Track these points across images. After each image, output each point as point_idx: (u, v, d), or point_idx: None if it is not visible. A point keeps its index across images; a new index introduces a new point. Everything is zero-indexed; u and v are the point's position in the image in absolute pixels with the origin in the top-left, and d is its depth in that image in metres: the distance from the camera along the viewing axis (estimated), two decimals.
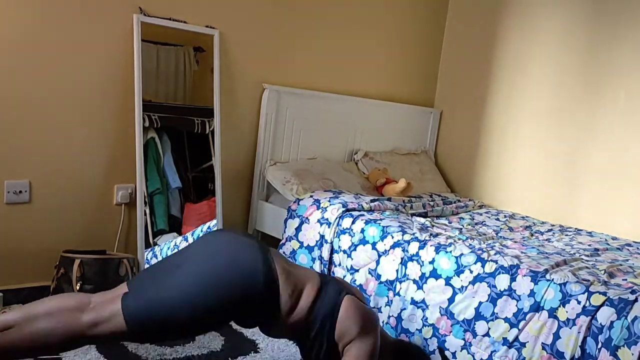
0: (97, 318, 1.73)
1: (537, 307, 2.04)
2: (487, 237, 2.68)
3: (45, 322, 1.72)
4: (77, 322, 1.72)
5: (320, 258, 2.68)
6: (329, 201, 2.77)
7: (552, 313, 2.00)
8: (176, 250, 2.60)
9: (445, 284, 2.28)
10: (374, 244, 2.53)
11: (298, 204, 2.84)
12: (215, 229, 2.90)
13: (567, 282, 2.03)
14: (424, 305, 2.32)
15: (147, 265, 2.71)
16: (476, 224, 3.01)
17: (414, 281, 2.37)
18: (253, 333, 2.45)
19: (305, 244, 2.74)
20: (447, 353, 2.23)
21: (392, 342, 2.09)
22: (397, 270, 2.43)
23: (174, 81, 2.88)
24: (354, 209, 2.73)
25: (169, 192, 2.83)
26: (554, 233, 2.97)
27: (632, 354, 1.79)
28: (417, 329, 2.32)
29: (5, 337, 1.68)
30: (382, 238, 2.51)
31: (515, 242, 2.63)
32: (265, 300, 1.82)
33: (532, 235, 2.89)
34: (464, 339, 2.19)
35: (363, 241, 2.56)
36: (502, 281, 2.15)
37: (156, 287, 1.80)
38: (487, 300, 2.16)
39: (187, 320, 1.76)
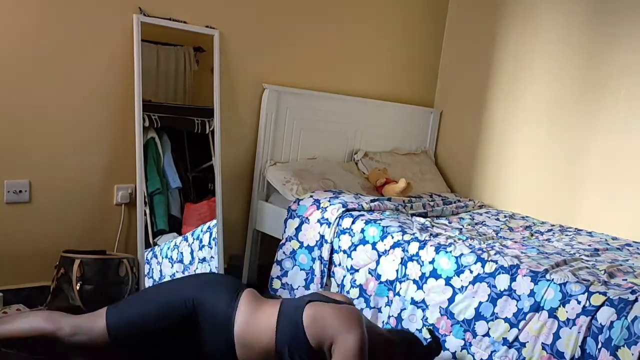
0: (78, 328, 1.86)
1: (537, 307, 2.04)
2: (487, 237, 2.68)
3: (29, 318, 1.90)
4: (57, 330, 1.85)
5: (320, 258, 2.68)
6: (329, 201, 2.77)
7: (552, 313, 2.00)
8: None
9: (445, 284, 2.28)
10: (374, 244, 2.53)
11: (298, 204, 2.84)
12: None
13: (567, 282, 2.03)
14: (424, 305, 2.32)
15: (147, 265, 2.72)
16: (476, 224, 3.01)
17: (414, 281, 2.37)
18: None
19: (305, 244, 2.74)
20: (447, 353, 2.23)
21: (385, 332, 2.06)
22: (397, 270, 2.43)
23: (174, 81, 2.88)
24: (354, 209, 2.73)
25: (169, 192, 2.83)
26: (554, 233, 2.97)
27: (632, 354, 1.79)
28: (417, 329, 2.32)
29: None
30: (382, 238, 2.51)
31: (515, 242, 2.63)
32: (219, 327, 1.89)
33: (532, 235, 2.89)
34: (464, 339, 2.19)
35: (363, 241, 2.56)
36: (502, 281, 2.15)
37: (139, 300, 1.99)
38: (487, 300, 2.16)
39: (156, 327, 1.87)
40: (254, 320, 1.88)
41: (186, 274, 2.80)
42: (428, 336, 2.21)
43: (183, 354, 1.93)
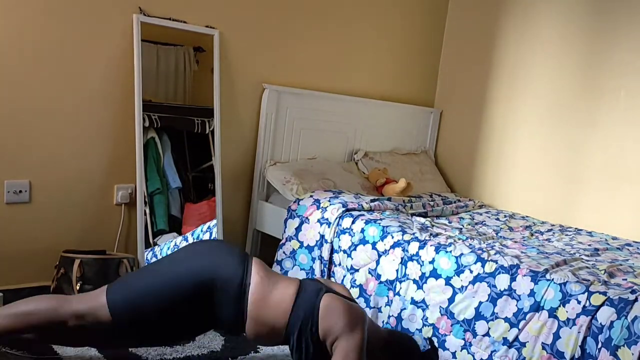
0: (81, 309, 1.82)
1: (537, 307, 2.04)
2: (487, 237, 2.68)
3: (26, 305, 1.84)
4: (61, 310, 1.81)
5: (320, 258, 2.68)
6: (329, 201, 2.77)
7: (552, 313, 2.00)
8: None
9: (445, 284, 2.28)
10: (374, 244, 2.53)
11: (298, 204, 2.84)
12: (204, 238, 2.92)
13: (567, 282, 2.03)
14: (424, 305, 2.32)
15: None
16: (476, 223, 3.01)
17: (414, 281, 2.37)
18: None
19: (305, 244, 2.74)
20: (447, 353, 2.23)
21: (385, 334, 2.08)
22: (397, 270, 2.43)
23: (174, 81, 2.88)
24: (354, 209, 2.73)
25: (169, 192, 2.83)
26: (554, 233, 2.97)
27: (632, 354, 1.79)
28: (417, 329, 2.32)
29: None
30: (382, 238, 2.51)
31: (515, 242, 2.63)
32: (234, 297, 1.86)
33: (532, 235, 2.89)
34: (464, 339, 2.19)
35: (363, 241, 2.56)
36: (502, 281, 2.15)
37: (140, 280, 1.92)
38: (487, 300, 2.16)
39: (163, 309, 1.83)
40: (269, 297, 1.88)
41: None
42: (428, 344, 2.22)
43: (187, 329, 1.95)
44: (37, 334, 1.83)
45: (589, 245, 2.73)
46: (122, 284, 1.92)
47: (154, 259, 2.74)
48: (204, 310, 1.88)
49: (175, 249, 2.10)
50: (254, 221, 3.20)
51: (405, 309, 2.37)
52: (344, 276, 2.60)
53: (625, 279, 2.14)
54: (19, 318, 1.81)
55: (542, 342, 2.00)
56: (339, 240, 2.64)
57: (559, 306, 1.99)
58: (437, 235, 2.53)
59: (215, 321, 1.93)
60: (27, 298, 1.91)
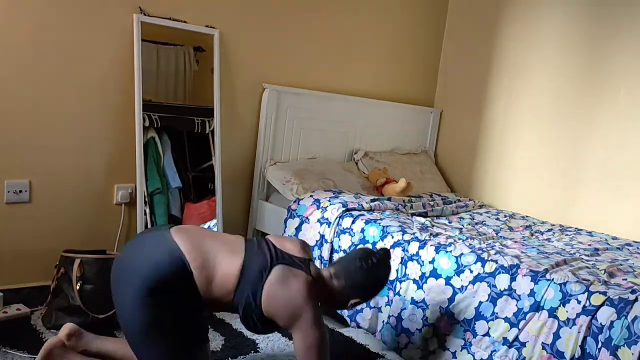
0: None
1: (537, 307, 2.04)
2: (487, 236, 2.68)
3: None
4: None
5: (321, 258, 2.68)
6: (329, 201, 2.77)
7: (552, 313, 2.00)
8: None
9: (446, 284, 2.28)
10: (374, 244, 2.53)
11: (298, 204, 2.84)
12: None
13: (567, 281, 2.03)
14: (424, 305, 2.32)
15: None
16: (476, 223, 3.01)
17: (414, 281, 2.37)
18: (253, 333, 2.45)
19: None
20: (447, 353, 2.23)
21: (335, 283, 1.99)
22: (397, 270, 2.43)
23: (174, 81, 2.88)
24: (354, 209, 2.73)
25: (169, 191, 2.83)
26: (554, 233, 2.97)
27: (632, 354, 1.79)
28: (417, 329, 2.32)
29: None
30: (382, 238, 2.51)
31: (515, 241, 2.63)
32: (180, 277, 1.78)
33: (532, 235, 2.89)
34: (464, 339, 2.19)
35: (363, 241, 2.56)
36: (502, 281, 2.15)
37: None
38: (487, 300, 2.16)
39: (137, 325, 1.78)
40: (214, 274, 1.81)
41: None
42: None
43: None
44: None
45: (589, 245, 2.73)
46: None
47: None
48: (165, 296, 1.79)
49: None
50: (254, 221, 3.20)
51: (405, 308, 2.37)
52: None
53: (625, 279, 2.14)
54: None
55: (542, 342, 2.00)
56: (339, 240, 2.64)
57: (559, 306, 1.99)
58: (437, 235, 2.53)
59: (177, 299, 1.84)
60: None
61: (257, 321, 1.85)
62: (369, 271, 1.99)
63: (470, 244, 2.41)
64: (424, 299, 2.33)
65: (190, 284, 1.79)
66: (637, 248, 2.76)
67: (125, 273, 1.81)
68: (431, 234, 2.52)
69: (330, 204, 2.74)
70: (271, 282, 1.82)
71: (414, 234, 2.49)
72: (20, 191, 2.52)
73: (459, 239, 2.51)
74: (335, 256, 2.65)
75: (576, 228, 3.14)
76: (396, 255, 2.44)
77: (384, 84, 3.76)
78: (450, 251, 2.32)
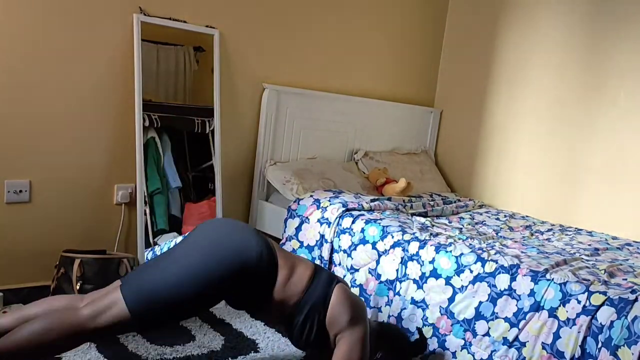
0: (97, 309, 1.74)
1: (537, 307, 2.04)
2: (487, 236, 2.68)
3: (39, 322, 1.72)
4: (76, 316, 1.73)
5: (321, 258, 2.68)
6: (329, 201, 2.77)
7: (552, 313, 2.00)
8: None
9: (446, 284, 2.28)
10: (374, 244, 2.53)
11: (298, 204, 2.84)
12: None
13: (567, 281, 2.03)
14: (424, 304, 2.32)
15: None
16: (476, 223, 3.01)
17: (414, 281, 2.37)
18: (253, 333, 2.46)
19: (305, 244, 2.74)
20: (447, 353, 2.23)
21: (375, 325, 2.17)
22: (397, 270, 2.43)
23: (174, 81, 2.88)
24: (354, 209, 2.73)
25: (169, 191, 2.83)
26: (554, 233, 2.97)
27: (632, 354, 1.79)
28: (417, 329, 2.32)
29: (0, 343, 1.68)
30: (382, 238, 2.51)
31: (515, 241, 2.63)
32: (264, 273, 1.90)
33: (532, 235, 2.89)
34: (464, 339, 2.19)
35: (363, 241, 2.56)
36: (502, 281, 2.15)
37: (155, 271, 1.85)
38: (487, 300, 2.16)
39: (189, 293, 1.80)
40: (290, 277, 1.94)
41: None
42: (418, 334, 2.28)
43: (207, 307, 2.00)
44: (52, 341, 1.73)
45: (589, 245, 2.73)
46: (136, 278, 1.84)
47: None
48: (230, 293, 1.92)
49: (185, 237, 2.03)
50: (254, 221, 3.20)
51: (405, 308, 2.37)
52: (344, 276, 2.60)
53: (625, 279, 2.14)
54: (31, 339, 1.69)
55: (542, 342, 2.00)
56: (339, 240, 2.64)
57: (559, 306, 1.99)
58: (437, 235, 2.53)
59: (240, 298, 1.97)
60: (38, 301, 1.86)
61: (314, 325, 1.92)
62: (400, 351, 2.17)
63: (470, 244, 2.41)
64: (424, 298, 2.33)
65: (267, 285, 1.92)
66: (637, 248, 2.76)
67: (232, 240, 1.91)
68: (431, 234, 2.52)
69: (330, 204, 2.74)
70: (343, 287, 1.99)
71: (414, 233, 2.49)
72: (20, 191, 2.52)
73: (459, 238, 2.51)
74: (335, 256, 2.65)
75: (576, 228, 3.14)
76: (396, 256, 2.45)
77: (384, 84, 3.76)
78: (450, 251, 2.32)
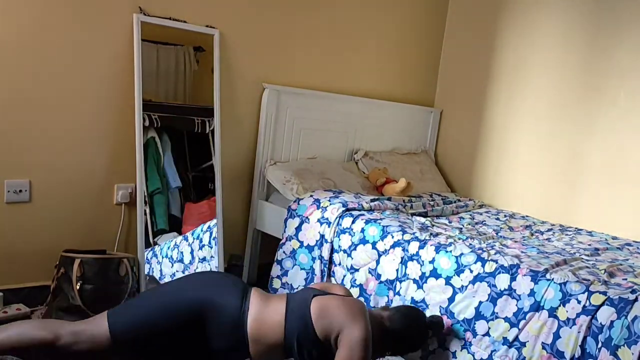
0: (78, 336, 1.80)
1: (537, 307, 2.04)
2: (487, 236, 2.68)
3: (20, 325, 1.83)
4: (56, 340, 1.78)
5: (320, 257, 2.68)
6: (329, 201, 2.77)
7: (552, 312, 2.00)
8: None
9: (446, 284, 2.28)
10: (374, 244, 2.53)
11: (298, 204, 2.84)
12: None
13: (567, 281, 2.03)
14: (424, 304, 2.32)
15: (147, 265, 2.72)
16: (476, 223, 3.01)
17: (414, 281, 2.37)
18: None
19: (305, 244, 2.74)
20: (447, 353, 2.23)
21: (385, 313, 2.12)
22: (397, 270, 2.43)
23: (174, 81, 2.88)
24: (354, 209, 2.73)
25: (169, 191, 2.83)
26: (554, 233, 2.97)
27: (632, 354, 1.79)
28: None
29: None
30: (382, 237, 2.51)
31: (515, 241, 2.63)
32: (233, 322, 1.88)
33: (532, 234, 2.90)
34: (464, 339, 2.19)
35: (363, 241, 2.56)
36: (502, 281, 2.15)
37: (140, 301, 1.96)
38: (487, 300, 2.16)
39: (162, 334, 1.84)
40: (263, 316, 1.90)
41: (186, 273, 2.80)
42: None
43: (188, 353, 1.93)
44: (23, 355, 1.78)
45: (589, 245, 2.73)
46: (124, 308, 1.94)
47: (154, 259, 2.75)
48: (201, 336, 1.89)
49: (180, 277, 2.18)
50: (254, 221, 3.20)
51: None
52: (344, 276, 2.60)
53: (625, 279, 2.14)
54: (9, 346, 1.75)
55: (542, 342, 2.00)
56: (339, 239, 2.64)
57: (559, 306, 1.99)
58: (437, 235, 2.53)
59: (214, 350, 1.92)
60: (17, 325, 1.85)
61: (312, 348, 1.87)
62: (419, 329, 2.14)
63: (470, 244, 2.41)
64: (424, 298, 2.33)
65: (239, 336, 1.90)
66: (637, 248, 2.76)
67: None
68: (431, 234, 2.52)
69: (330, 204, 2.74)
70: (318, 301, 1.93)
71: (414, 233, 2.49)
72: (20, 191, 2.51)
73: (459, 238, 2.51)
74: (335, 256, 2.65)
75: (576, 228, 3.14)
76: (396, 256, 2.45)
77: (384, 84, 3.76)
78: (450, 251, 2.32)
